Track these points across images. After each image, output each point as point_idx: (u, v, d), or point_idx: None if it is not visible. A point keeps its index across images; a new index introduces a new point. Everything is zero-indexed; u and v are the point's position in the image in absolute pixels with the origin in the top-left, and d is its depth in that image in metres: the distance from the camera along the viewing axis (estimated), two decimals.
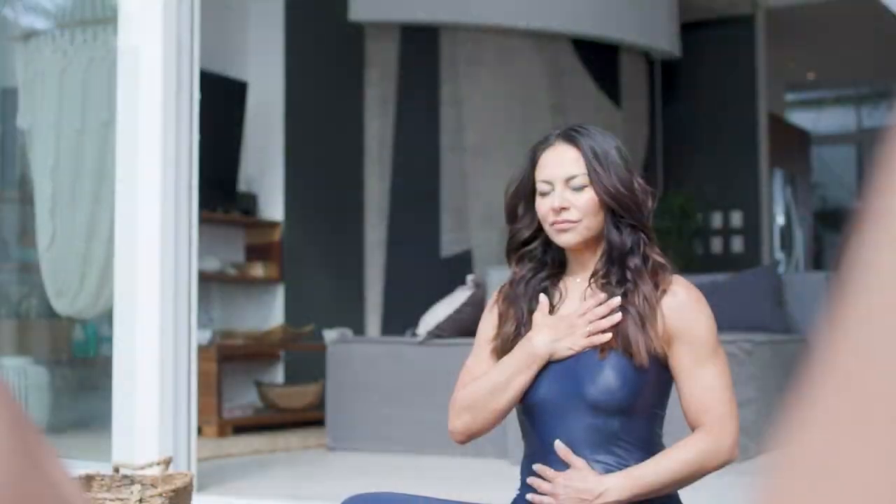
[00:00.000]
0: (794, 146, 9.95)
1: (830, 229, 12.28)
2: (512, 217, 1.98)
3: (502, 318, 1.95)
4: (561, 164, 1.87)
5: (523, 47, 7.30)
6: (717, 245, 8.35)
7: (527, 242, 1.96)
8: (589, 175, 1.85)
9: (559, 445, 1.80)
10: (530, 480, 1.84)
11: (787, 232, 9.60)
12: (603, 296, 1.85)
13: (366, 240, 6.94)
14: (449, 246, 6.96)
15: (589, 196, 1.85)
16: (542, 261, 1.96)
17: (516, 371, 1.86)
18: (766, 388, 4.67)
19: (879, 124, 12.21)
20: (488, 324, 1.99)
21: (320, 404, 5.74)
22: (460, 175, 7.03)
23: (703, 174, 8.35)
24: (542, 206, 1.88)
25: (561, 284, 1.95)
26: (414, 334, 4.88)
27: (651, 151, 8.27)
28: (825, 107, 12.41)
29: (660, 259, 1.88)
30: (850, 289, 0.33)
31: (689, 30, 8.36)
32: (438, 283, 6.30)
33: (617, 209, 1.85)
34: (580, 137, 1.88)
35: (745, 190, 8.30)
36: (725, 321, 5.15)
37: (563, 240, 1.88)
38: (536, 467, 1.83)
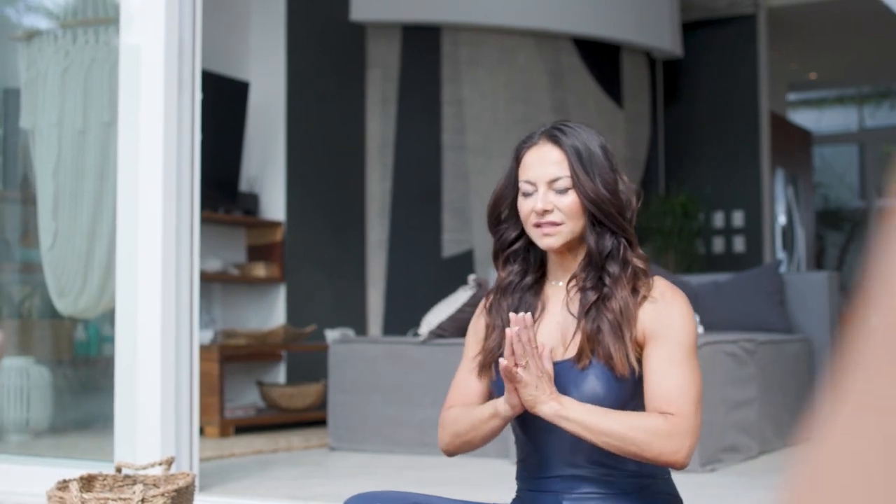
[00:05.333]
0: (795, 146, 9.94)
1: (832, 229, 12.28)
2: (495, 220, 1.95)
3: (488, 330, 1.94)
4: (544, 164, 1.85)
5: (524, 47, 7.30)
6: (718, 245, 8.35)
7: (512, 242, 1.94)
8: (572, 178, 1.83)
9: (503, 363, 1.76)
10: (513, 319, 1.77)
11: (788, 231, 9.60)
12: (513, 329, 1.76)
13: (367, 240, 6.94)
14: (450, 246, 6.96)
15: (572, 199, 1.83)
16: (526, 261, 1.94)
17: (491, 416, 1.84)
18: (767, 387, 4.67)
19: (881, 124, 12.20)
20: (474, 336, 1.98)
21: (322, 404, 5.74)
22: (462, 175, 7.04)
23: (705, 174, 8.35)
24: (525, 206, 1.86)
25: (543, 293, 1.93)
26: (416, 334, 4.88)
27: (653, 151, 8.27)
28: (827, 106, 12.41)
29: (640, 265, 1.85)
30: (872, 293, 0.33)
31: (691, 29, 8.37)
32: (440, 282, 6.31)
33: (598, 214, 1.83)
34: (565, 137, 1.85)
35: (747, 189, 8.30)
36: (727, 321, 5.17)
37: (545, 244, 1.86)
38: (517, 317, 1.76)
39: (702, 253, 8.26)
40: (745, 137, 8.33)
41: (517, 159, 1.90)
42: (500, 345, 1.89)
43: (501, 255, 1.96)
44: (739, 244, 8.30)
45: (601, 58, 7.68)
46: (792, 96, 11.64)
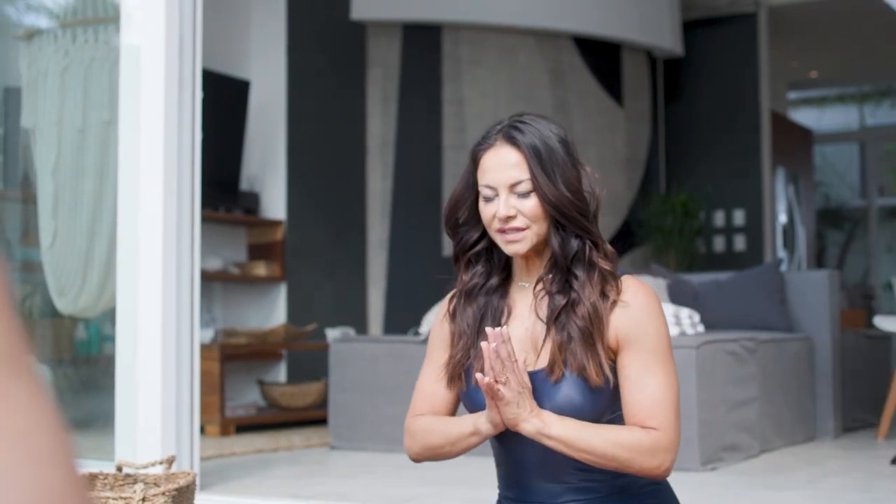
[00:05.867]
0: (796, 144, 9.94)
1: (833, 228, 12.27)
2: (453, 223, 1.88)
3: (453, 338, 1.88)
4: (504, 168, 1.77)
5: (525, 46, 7.30)
6: (719, 243, 8.35)
7: (474, 244, 1.88)
8: (532, 182, 1.76)
9: (480, 377, 1.71)
10: (487, 346, 1.70)
11: (789, 230, 9.60)
12: (490, 345, 1.70)
13: (368, 238, 6.94)
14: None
15: (535, 202, 1.76)
16: (490, 261, 1.88)
17: (471, 434, 1.80)
18: (768, 386, 4.67)
19: (882, 122, 12.20)
20: (439, 341, 1.92)
21: (323, 403, 5.75)
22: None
23: (706, 172, 8.34)
24: (487, 211, 1.80)
25: (509, 296, 1.87)
26: (416, 333, 4.88)
27: (653, 150, 8.27)
28: (827, 105, 12.40)
29: (606, 267, 1.78)
30: None
31: (692, 28, 8.36)
32: (440, 281, 6.30)
33: (560, 219, 1.77)
34: (522, 136, 1.77)
35: (748, 188, 8.30)
36: (727, 319, 5.17)
37: (511, 250, 1.80)
38: (493, 331, 1.71)
39: (702, 252, 8.26)
40: (746, 136, 8.32)
41: (475, 162, 1.82)
42: (468, 354, 1.84)
43: (463, 257, 1.90)
44: (740, 243, 8.29)
45: (602, 56, 7.68)
46: (793, 95, 11.64)
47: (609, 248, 1.83)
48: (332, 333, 6.07)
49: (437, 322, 1.95)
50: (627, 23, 7.63)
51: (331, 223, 6.71)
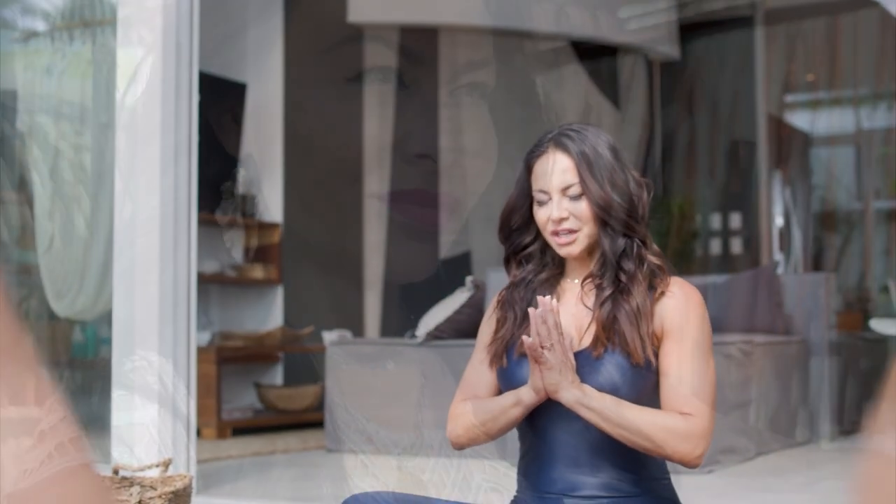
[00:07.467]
0: (793, 148, 9.95)
1: (829, 231, 12.28)
2: (507, 230, 1.97)
3: (499, 324, 1.95)
4: (555, 173, 1.88)
5: (522, 49, 7.30)
6: (715, 246, 8.35)
7: (526, 246, 1.97)
8: (581, 185, 1.86)
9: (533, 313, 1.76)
10: (534, 310, 1.78)
11: (785, 233, 9.60)
12: (538, 311, 1.77)
13: (365, 241, 6.94)
14: (448, 248, 6.96)
15: (585, 205, 1.86)
16: (542, 261, 1.96)
17: (513, 405, 1.85)
18: (764, 389, 4.67)
19: (878, 126, 12.22)
20: (486, 330, 1.99)
21: (319, 406, 5.74)
22: (459, 177, 7.04)
23: (703, 176, 8.35)
24: (541, 215, 1.89)
25: (558, 287, 1.95)
26: (413, 336, 4.88)
27: (650, 153, 8.27)
28: (824, 108, 12.42)
29: (656, 261, 1.89)
30: None
31: (689, 31, 8.37)
32: (437, 284, 6.30)
33: (608, 221, 1.86)
34: (572, 143, 1.88)
35: (744, 191, 8.30)
36: (724, 322, 5.17)
37: (565, 252, 1.89)
38: (544, 300, 1.77)
39: (699, 255, 8.27)
40: (743, 139, 8.33)
41: (528, 169, 1.92)
42: (513, 333, 1.91)
43: (514, 258, 1.98)
44: (737, 246, 8.30)
45: (599, 60, 7.68)
46: (789, 98, 11.64)
47: (656, 248, 1.92)
48: (329, 336, 6.07)
49: (485, 319, 2.02)
50: (625, 26, 7.63)
51: (328, 225, 6.71)
